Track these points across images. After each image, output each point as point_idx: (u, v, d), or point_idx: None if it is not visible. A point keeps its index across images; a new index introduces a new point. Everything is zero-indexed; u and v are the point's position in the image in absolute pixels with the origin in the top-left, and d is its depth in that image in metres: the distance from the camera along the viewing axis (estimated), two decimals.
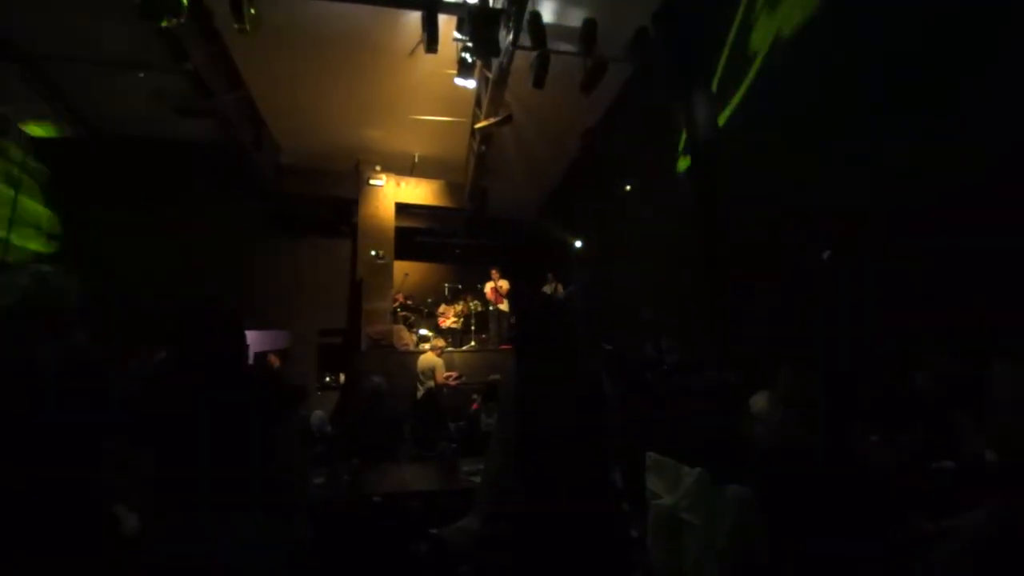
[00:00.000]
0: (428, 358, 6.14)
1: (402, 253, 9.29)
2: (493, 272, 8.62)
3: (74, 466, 1.53)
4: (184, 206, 7.68)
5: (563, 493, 1.54)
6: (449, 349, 8.12)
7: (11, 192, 6.55)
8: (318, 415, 3.71)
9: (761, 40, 4.56)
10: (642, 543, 2.72)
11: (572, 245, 8.59)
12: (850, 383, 2.55)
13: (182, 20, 4.69)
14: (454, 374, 6.24)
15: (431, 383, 5.94)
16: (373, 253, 8.42)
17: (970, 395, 1.98)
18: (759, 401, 2.63)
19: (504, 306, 8.44)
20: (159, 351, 1.58)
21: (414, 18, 5.28)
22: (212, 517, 1.35)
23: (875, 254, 3.40)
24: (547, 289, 7.90)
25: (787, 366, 1.88)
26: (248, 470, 1.40)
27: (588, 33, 5.29)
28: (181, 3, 4.38)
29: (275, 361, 6.78)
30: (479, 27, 4.82)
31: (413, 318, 8.87)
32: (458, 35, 5.18)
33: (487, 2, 4.89)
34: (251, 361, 6.72)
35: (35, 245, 6.82)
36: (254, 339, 7.13)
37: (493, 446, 1.60)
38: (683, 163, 5.60)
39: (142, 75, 5.99)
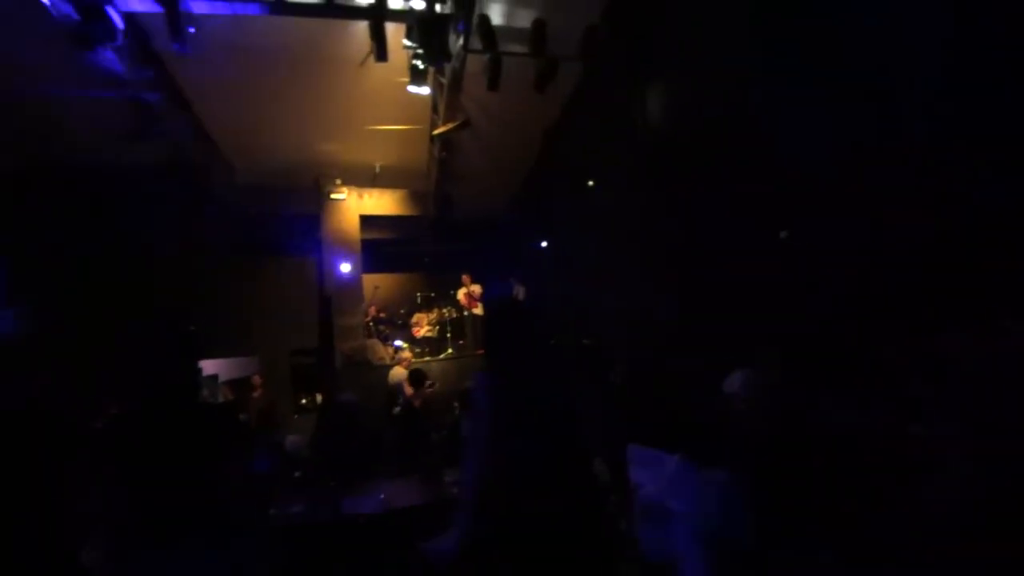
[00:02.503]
0: (396, 372, 6.10)
1: (370, 265, 9.17)
2: (464, 277, 8.58)
3: (37, 510, 1.46)
4: (136, 235, 7.36)
5: (544, 495, 1.53)
6: (426, 359, 8.04)
7: None
8: (292, 440, 3.60)
9: None
10: (631, 535, 2.73)
11: (541, 244, 8.63)
12: (819, 357, 2.62)
13: (117, 44, 4.53)
14: (427, 383, 6.19)
15: (402, 397, 5.87)
16: (343, 267, 8.28)
17: (935, 365, 2.04)
18: (734, 382, 2.67)
19: (479, 310, 8.40)
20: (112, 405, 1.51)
21: (362, 27, 5.21)
22: (172, 554, 1.28)
23: (833, 230, 3.50)
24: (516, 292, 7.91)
25: (760, 346, 1.91)
26: (205, 506, 1.34)
27: (538, 33, 5.31)
28: (114, 28, 4.21)
29: (258, 382, 6.64)
30: (428, 33, 4.79)
31: (387, 331, 8.75)
32: (408, 42, 5.14)
33: (434, 8, 4.86)
34: (219, 390, 6.52)
35: None
36: (221, 367, 6.89)
37: (468, 455, 1.57)
38: None
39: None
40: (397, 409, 5.67)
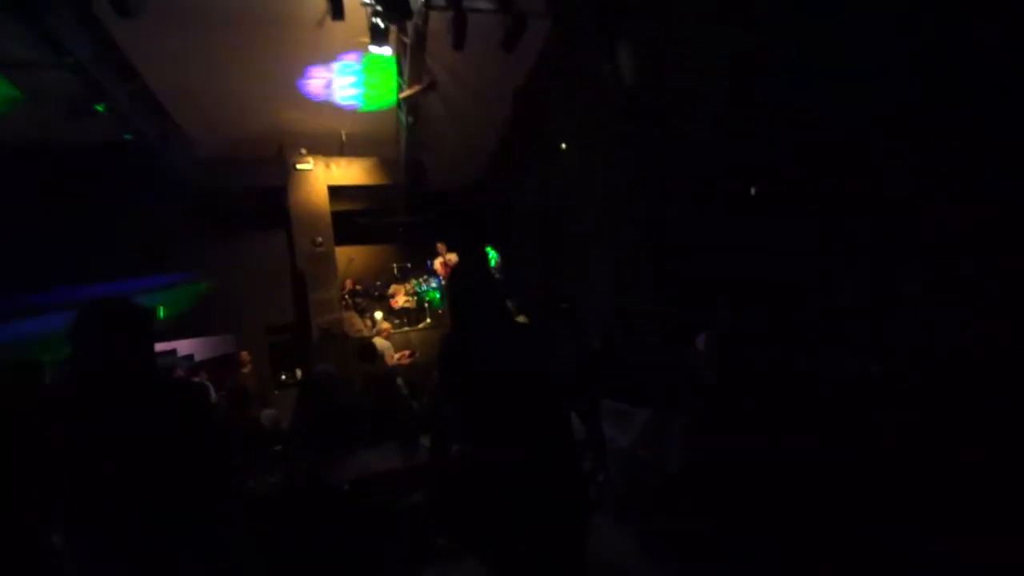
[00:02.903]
0: (376, 343, 6.09)
1: (343, 238, 8.99)
2: (440, 246, 8.50)
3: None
4: (91, 217, 7.03)
5: (511, 448, 1.55)
6: (405, 329, 8.03)
7: None
8: (268, 414, 3.59)
9: None
10: (607, 487, 2.83)
11: (515, 208, 8.55)
12: (779, 304, 2.69)
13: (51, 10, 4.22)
14: (406, 352, 6.22)
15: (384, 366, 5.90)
16: (311, 241, 8.09)
17: (889, 303, 2.13)
18: (701, 340, 2.75)
19: None
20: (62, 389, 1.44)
21: None
22: (140, 537, 1.27)
23: (794, 185, 3.55)
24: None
25: (718, 302, 1.95)
26: (172, 487, 1.32)
27: None
28: None
29: (247, 358, 6.60)
30: None
31: (364, 303, 8.67)
32: None
33: None
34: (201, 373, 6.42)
35: None
36: (196, 347, 6.78)
37: (436, 413, 1.59)
38: None
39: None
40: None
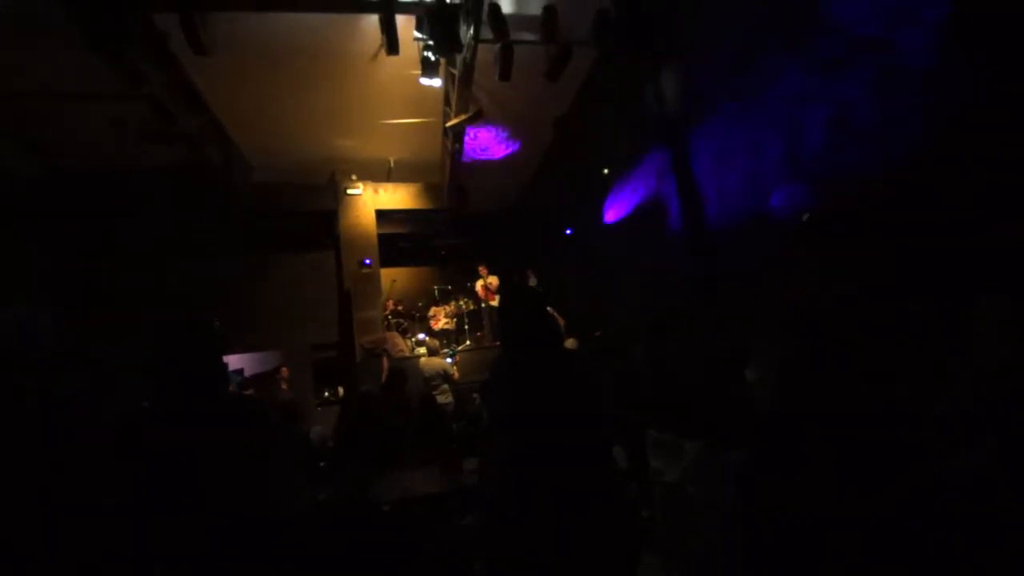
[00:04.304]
0: (433, 363, 6.09)
1: (387, 259, 9.24)
2: (481, 269, 8.60)
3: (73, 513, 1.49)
4: (157, 235, 7.53)
5: (562, 480, 1.53)
6: (445, 350, 8.11)
7: None
8: (317, 431, 3.68)
9: None
10: (653, 521, 2.74)
11: (554, 233, 8.60)
12: (838, 335, 2.57)
13: (131, 47, 4.62)
14: (457, 360, 6.28)
15: (445, 385, 5.93)
16: (359, 263, 8.36)
17: (961, 334, 2.00)
18: (753, 369, 2.65)
19: (496, 302, 8.43)
20: (142, 399, 1.53)
21: (372, 21, 5.21)
22: (208, 542, 1.32)
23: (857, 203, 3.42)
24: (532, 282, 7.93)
25: (756, 333, 1.89)
26: (242, 495, 1.37)
27: (549, 20, 5.25)
28: (126, 31, 4.27)
29: (286, 373, 6.81)
30: (438, 24, 4.77)
31: (406, 324, 8.83)
32: (418, 34, 5.13)
33: None
34: (242, 382, 6.67)
35: None
36: (244, 362, 7.06)
37: (487, 440, 1.59)
38: None
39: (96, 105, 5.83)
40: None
